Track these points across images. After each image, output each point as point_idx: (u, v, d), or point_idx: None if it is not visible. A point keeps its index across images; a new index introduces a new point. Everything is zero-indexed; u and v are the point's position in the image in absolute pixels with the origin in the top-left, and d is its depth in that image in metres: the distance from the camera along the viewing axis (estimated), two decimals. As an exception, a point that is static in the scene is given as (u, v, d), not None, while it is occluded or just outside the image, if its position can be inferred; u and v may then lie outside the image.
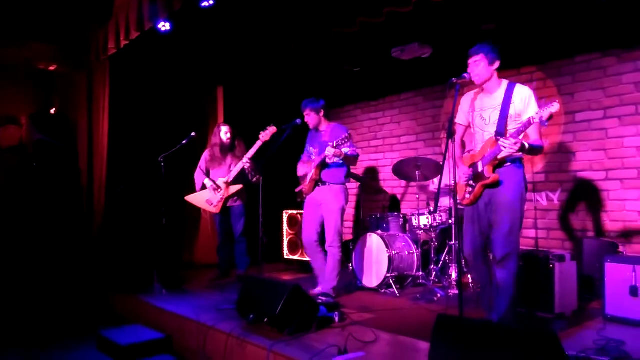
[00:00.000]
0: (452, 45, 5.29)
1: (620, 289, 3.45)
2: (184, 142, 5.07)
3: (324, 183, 4.38)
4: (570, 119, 5.02)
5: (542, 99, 5.17)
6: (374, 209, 6.80)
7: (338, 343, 2.90)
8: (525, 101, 3.05)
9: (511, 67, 5.37)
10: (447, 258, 4.90)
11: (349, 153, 4.18)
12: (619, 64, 4.69)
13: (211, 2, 4.38)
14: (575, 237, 4.89)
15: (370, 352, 2.89)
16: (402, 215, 5.25)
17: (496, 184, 3.10)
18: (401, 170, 5.26)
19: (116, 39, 5.06)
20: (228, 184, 5.04)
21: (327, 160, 4.24)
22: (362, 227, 5.77)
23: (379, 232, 4.90)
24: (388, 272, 4.56)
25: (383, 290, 4.64)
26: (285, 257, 6.36)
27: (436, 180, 5.39)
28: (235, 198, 5.16)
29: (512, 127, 3.08)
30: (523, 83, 5.31)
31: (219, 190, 5.04)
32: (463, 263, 4.71)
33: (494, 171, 3.12)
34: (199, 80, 6.56)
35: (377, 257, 4.71)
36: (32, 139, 5.75)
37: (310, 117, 4.41)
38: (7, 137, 5.68)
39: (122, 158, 5.95)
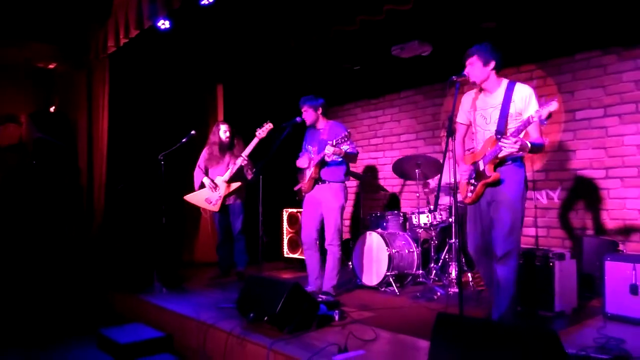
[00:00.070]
0: (452, 43, 5.28)
1: (620, 287, 3.45)
2: (184, 140, 5.07)
3: (323, 181, 4.37)
4: (571, 117, 5.02)
5: (542, 97, 5.16)
6: (373, 207, 6.81)
7: (338, 341, 2.91)
8: (525, 100, 3.05)
9: (511, 65, 5.37)
10: (447, 256, 4.90)
11: (348, 151, 4.18)
12: (619, 62, 4.69)
13: (211, 0, 4.37)
14: (575, 236, 4.89)
15: (370, 350, 2.89)
16: (402, 214, 5.25)
17: (497, 183, 3.11)
18: (401, 168, 5.26)
19: (115, 37, 5.05)
20: (226, 182, 5.04)
21: (326, 159, 4.23)
22: (362, 225, 5.77)
23: (379, 230, 4.90)
24: (388, 270, 4.56)
25: (383, 289, 4.65)
26: (285, 255, 6.36)
27: (436, 178, 5.38)
28: (234, 196, 5.16)
29: (512, 126, 3.08)
30: (523, 81, 5.32)
31: (218, 188, 5.05)
32: (463, 261, 4.72)
33: (494, 170, 3.12)
34: (199, 79, 6.55)
35: (377, 256, 4.71)
36: (32, 138, 5.75)
37: (308, 114, 4.41)
38: (7, 136, 5.68)
39: (121, 157, 5.95)
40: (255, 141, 4.89)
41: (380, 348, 2.97)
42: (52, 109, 6.03)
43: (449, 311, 2.96)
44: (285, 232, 6.38)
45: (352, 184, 7.11)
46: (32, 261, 5.28)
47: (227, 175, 5.05)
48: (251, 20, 4.98)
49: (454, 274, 4.64)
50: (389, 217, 5.18)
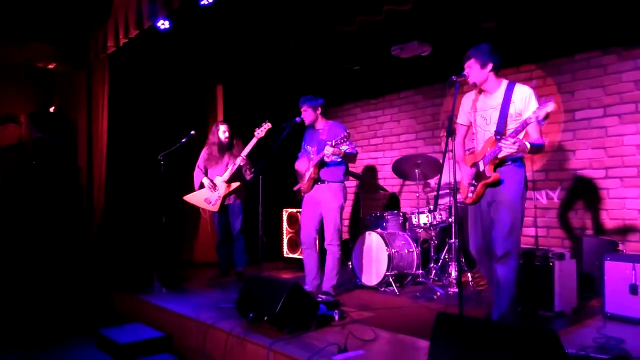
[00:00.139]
0: (452, 44, 5.28)
1: (620, 287, 3.45)
2: (184, 140, 5.07)
3: (322, 181, 4.38)
4: (570, 117, 5.02)
5: (541, 97, 5.13)
6: (373, 207, 6.81)
7: (338, 341, 2.90)
8: (525, 100, 3.06)
9: (511, 65, 5.37)
10: (446, 256, 4.90)
11: (347, 151, 4.18)
12: (619, 62, 4.69)
13: (210, 0, 4.37)
14: (575, 235, 4.89)
15: (370, 350, 2.89)
16: (401, 214, 5.25)
17: (497, 183, 3.12)
18: (400, 168, 5.25)
19: (115, 37, 5.05)
20: (226, 182, 5.04)
21: (326, 159, 4.24)
22: (361, 225, 5.77)
23: (379, 230, 4.90)
24: (388, 270, 4.56)
25: (383, 289, 4.65)
26: (285, 255, 6.36)
27: (436, 178, 5.39)
28: (234, 196, 5.16)
29: (512, 126, 3.09)
30: (523, 81, 5.33)
31: (217, 188, 5.05)
32: (463, 261, 4.72)
33: (494, 170, 3.13)
34: (199, 79, 6.55)
35: (376, 256, 4.71)
36: (32, 138, 5.75)
37: (307, 114, 4.41)
38: (7, 136, 5.68)
39: (121, 156, 5.95)
40: (253, 141, 4.90)
41: (380, 348, 2.97)
42: (51, 109, 6.03)
43: (448, 311, 2.95)
44: (285, 232, 6.38)
45: (352, 183, 7.12)
46: (32, 261, 5.28)
47: (226, 175, 5.05)
48: (251, 20, 4.98)
49: (453, 274, 4.65)
50: (388, 217, 5.18)
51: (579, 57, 4.97)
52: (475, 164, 3.25)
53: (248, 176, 5.09)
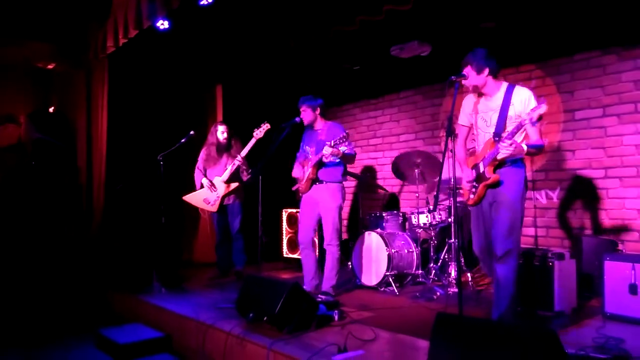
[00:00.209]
0: (452, 44, 5.29)
1: (620, 286, 3.45)
2: (183, 140, 5.07)
3: (320, 181, 4.38)
4: (570, 117, 5.02)
5: (541, 97, 5.14)
6: (373, 207, 6.80)
7: (337, 341, 2.90)
8: (524, 102, 3.09)
9: (510, 65, 5.37)
10: (446, 256, 4.90)
11: (346, 152, 4.18)
12: (618, 62, 4.69)
13: (210, 0, 4.37)
14: (575, 235, 4.89)
15: (370, 350, 2.89)
16: (401, 214, 5.25)
17: (497, 184, 3.15)
18: (400, 167, 5.24)
19: (115, 37, 5.05)
20: (225, 183, 5.05)
21: (324, 159, 4.24)
22: (361, 225, 5.77)
23: (378, 230, 4.90)
24: (387, 270, 4.56)
25: (382, 289, 4.65)
26: (285, 255, 6.36)
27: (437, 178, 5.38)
28: (233, 196, 5.16)
29: (511, 128, 3.10)
30: (522, 81, 5.36)
31: (216, 189, 5.06)
32: (462, 261, 4.72)
33: (494, 171, 3.16)
34: (198, 79, 6.55)
35: (376, 256, 4.71)
36: (31, 138, 5.74)
37: (306, 114, 4.41)
38: (6, 136, 5.68)
39: (121, 157, 5.95)
40: (252, 142, 4.90)
41: (380, 348, 2.97)
42: (51, 109, 6.02)
43: (448, 311, 2.95)
44: (284, 232, 6.38)
45: (351, 184, 7.11)
46: (32, 261, 5.28)
47: (225, 176, 5.05)
48: (250, 20, 4.98)
49: (453, 274, 4.65)
50: (388, 217, 5.18)
51: (578, 57, 4.97)
52: (475, 166, 3.27)
53: (244, 177, 5.10)
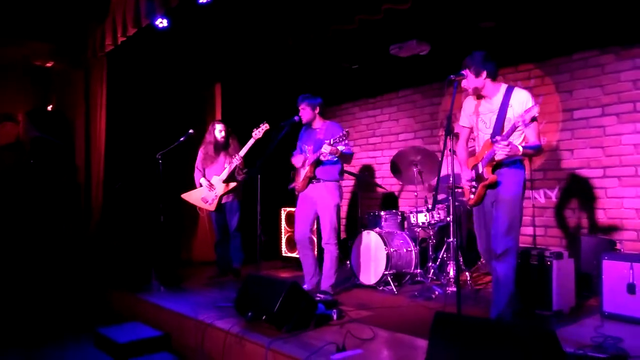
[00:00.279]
0: (451, 43, 5.29)
1: (618, 286, 3.46)
2: (182, 139, 5.07)
3: (318, 180, 4.37)
4: (568, 116, 5.02)
5: (540, 97, 5.17)
6: (371, 206, 6.81)
7: (336, 340, 2.91)
8: (523, 104, 3.12)
9: (509, 65, 5.37)
10: (445, 255, 4.90)
11: (344, 151, 4.18)
12: (617, 61, 4.69)
13: (209, -1, 4.37)
14: (573, 235, 4.90)
15: (368, 349, 2.89)
16: (400, 213, 5.25)
17: (496, 184, 3.19)
18: (398, 166, 5.22)
19: (113, 35, 5.04)
20: (223, 182, 5.05)
21: (322, 158, 4.24)
22: (359, 224, 5.77)
23: (377, 229, 4.90)
24: (386, 269, 4.56)
25: (381, 288, 4.65)
26: (283, 254, 6.36)
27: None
28: (232, 195, 5.16)
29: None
30: (521, 80, 5.37)
31: (214, 188, 5.06)
32: (461, 260, 4.73)
33: (493, 172, 3.20)
34: (197, 77, 6.54)
35: (375, 255, 4.71)
36: (29, 136, 5.73)
37: (305, 112, 4.41)
38: (4, 135, 5.67)
39: (119, 155, 5.95)
40: (251, 142, 4.89)
41: (378, 347, 2.97)
42: (49, 108, 6.01)
43: (446, 310, 2.95)
44: (283, 231, 6.38)
45: (350, 182, 7.12)
46: (30, 259, 5.27)
47: (224, 175, 5.05)
48: (249, 18, 4.97)
49: (451, 273, 4.65)
50: (387, 216, 5.18)
51: (577, 56, 4.97)
52: (475, 166, 3.31)
53: (239, 177, 5.10)
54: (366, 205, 6.75)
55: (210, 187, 5.08)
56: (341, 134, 4.03)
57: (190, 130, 5.10)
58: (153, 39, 5.24)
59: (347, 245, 5.26)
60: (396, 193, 6.65)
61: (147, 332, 3.90)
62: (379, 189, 6.67)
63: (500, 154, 3.04)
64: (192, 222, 6.53)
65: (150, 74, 6.22)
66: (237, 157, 4.95)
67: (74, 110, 5.87)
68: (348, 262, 5.23)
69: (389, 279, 4.58)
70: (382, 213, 5.22)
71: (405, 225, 5.25)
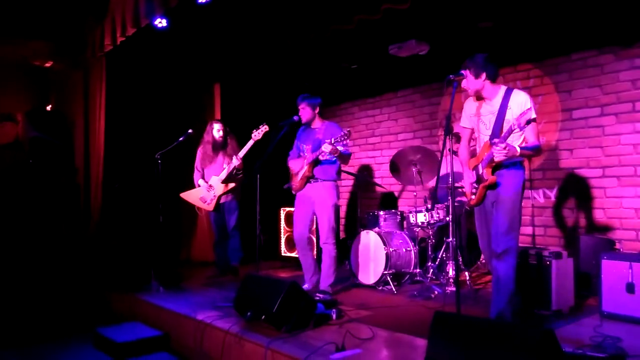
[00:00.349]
0: (450, 43, 5.29)
1: (617, 285, 3.46)
2: (181, 139, 5.07)
3: (315, 180, 4.37)
4: (567, 116, 5.03)
5: (539, 97, 5.18)
6: (371, 206, 6.81)
7: (335, 340, 2.91)
8: (521, 106, 3.14)
9: (508, 65, 5.37)
10: (444, 255, 4.90)
11: (342, 151, 4.19)
12: (615, 61, 4.70)
13: (208, -1, 4.37)
14: (572, 234, 4.90)
15: (368, 349, 2.89)
16: (399, 213, 5.25)
17: (496, 185, 3.21)
18: (397, 166, 5.22)
19: (112, 35, 5.04)
20: (222, 182, 5.05)
21: (321, 157, 4.24)
22: (359, 224, 5.77)
23: (376, 229, 4.90)
24: (385, 269, 4.56)
25: (380, 288, 4.65)
26: (283, 254, 6.36)
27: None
28: (231, 195, 5.16)
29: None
30: (520, 80, 5.37)
31: (212, 188, 5.06)
32: (460, 260, 4.73)
33: (493, 173, 3.22)
34: (196, 77, 6.54)
35: (374, 254, 4.71)
36: (28, 136, 5.73)
37: (305, 112, 4.41)
38: (3, 135, 5.67)
39: (118, 155, 5.94)
40: (250, 143, 4.89)
41: (378, 347, 2.97)
42: (48, 108, 6.01)
43: (446, 310, 2.96)
44: (282, 230, 6.37)
45: (349, 182, 7.12)
46: (29, 260, 5.27)
47: (223, 175, 5.05)
48: (248, 19, 4.97)
49: (451, 273, 4.65)
50: (386, 215, 5.18)
51: (576, 56, 4.97)
52: (476, 167, 3.34)
53: (236, 176, 5.10)
54: (365, 205, 6.75)
55: (209, 187, 5.08)
56: (343, 134, 4.03)
57: (190, 130, 5.10)
58: (152, 39, 5.24)
59: (347, 245, 5.26)
60: (395, 193, 6.65)
61: (146, 332, 3.90)
62: (379, 189, 6.67)
63: (498, 155, 3.07)
64: (191, 222, 6.53)
65: (150, 74, 6.21)
66: (236, 158, 4.95)
67: (73, 110, 5.87)
68: (347, 262, 5.22)
69: (388, 278, 4.58)
70: (382, 213, 5.22)
71: (405, 225, 5.24)
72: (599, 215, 4.79)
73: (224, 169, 5.07)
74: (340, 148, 4.11)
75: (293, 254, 6.16)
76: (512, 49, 5.25)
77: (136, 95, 6.21)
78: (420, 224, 4.83)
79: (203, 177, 5.20)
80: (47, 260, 5.35)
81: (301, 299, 3.29)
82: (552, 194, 5.13)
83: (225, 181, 5.06)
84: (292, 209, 6.14)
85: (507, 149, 3.00)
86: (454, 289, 3.93)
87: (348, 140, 4.10)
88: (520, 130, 3.03)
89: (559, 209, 5.08)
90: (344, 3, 4.39)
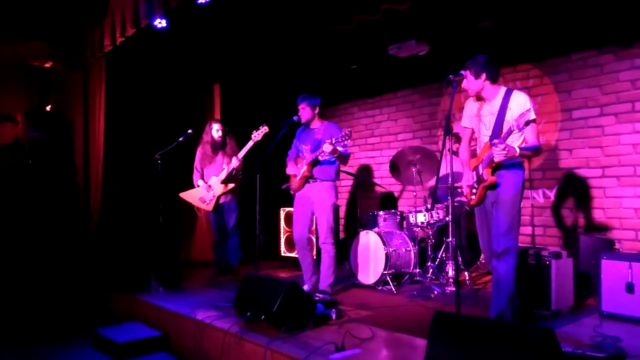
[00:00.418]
0: (449, 43, 5.29)
1: (616, 285, 3.46)
2: (181, 139, 5.07)
3: (314, 180, 4.38)
4: (567, 116, 5.03)
5: (538, 97, 5.18)
6: (370, 206, 6.81)
7: (335, 340, 2.91)
8: (521, 107, 3.15)
9: (508, 65, 5.38)
10: (444, 255, 4.90)
11: (342, 152, 4.19)
12: (615, 61, 4.70)
13: (208, -1, 4.37)
14: (572, 234, 4.90)
15: (367, 349, 2.89)
16: (399, 213, 5.25)
17: (495, 185, 3.22)
18: (397, 166, 5.22)
19: (112, 36, 5.04)
20: (221, 183, 5.05)
21: (321, 157, 4.24)
22: (358, 224, 5.77)
23: (376, 229, 4.91)
24: (385, 269, 4.57)
25: (380, 288, 4.65)
26: (282, 254, 6.36)
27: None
28: (230, 195, 5.17)
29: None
30: (520, 80, 5.37)
31: (212, 188, 5.06)
32: (460, 260, 4.73)
33: (493, 173, 3.23)
34: (196, 78, 6.54)
35: (374, 254, 4.71)
36: (28, 137, 5.73)
37: (305, 112, 4.40)
38: (3, 135, 5.67)
39: (118, 156, 5.94)
40: (250, 144, 4.89)
41: (377, 347, 2.97)
42: (48, 108, 6.01)
43: (446, 310, 2.97)
44: (282, 231, 6.37)
45: (348, 182, 7.12)
46: (29, 260, 5.26)
47: (222, 176, 5.04)
48: (248, 19, 4.97)
49: (450, 273, 4.65)
50: (386, 215, 5.18)
51: (575, 56, 4.98)
52: (476, 168, 3.35)
53: (238, 177, 5.11)
54: (365, 205, 6.75)
55: (208, 187, 5.09)
56: (344, 134, 4.03)
57: (189, 131, 5.09)
58: (152, 40, 5.24)
59: (346, 245, 5.25)
60: (395, 193, 6.65)
61: (145, 332, 3.90)
62: (378, 189, 6.67)
63: (498, 156, 3.08)
64: (190, 222, 6.53)
65: (149, 75, 6.21)
66: (236, 159, 4.95)
67: (72, 110, 5.87)
68: (347, 263, 5.22)
69: (388, 278, 4.58)
70: (381, 213, 5.22)
71: (404, 225, 5.25)
72: (598, 215, 4.79)
73: (223, 169, 5.07)
74: (340, 148, 4.11)
75: (293, 254, 6.16)
76: (512, 49, 5.26)
77: (136, 95, 6.21)
78: (419, 224, 4.83)
79: (202, 177, 5.21)
80: (47, 260, 5.35)
81: (301, 299, 3.29)
82: (552, 194, 5.13)
83: (225, 182, 5.06)
84: (292, 209, 6.16)
85: (506, 149, 3.02)
86: (453, 289, 3.93)
87: (348, 141, 4.10)
88: (520, 131, 3.04)
89: (558, 209, 5.08)
90: (344, 3, 4.39)
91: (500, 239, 3.14)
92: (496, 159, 3.12)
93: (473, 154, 3.45)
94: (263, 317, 3.21)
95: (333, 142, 4.04)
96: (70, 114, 5.89)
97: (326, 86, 6.93)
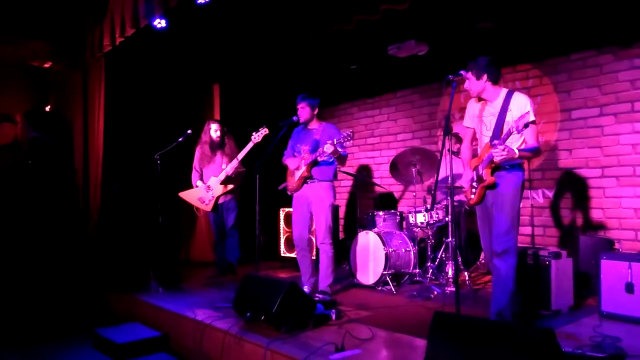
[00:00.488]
0: (449, 43, 5.29)
1: (616, 285, 3.46)
2: (180, 139, 5.07)
3: (313, 180, 4.37)
4: (566, 116, 5.03)
5: (538, 97, 5.18)
6: (370, 206, 6.80)
7: (335, 340, 2.91)
8: (521, 108, 3.16)
9: (507, 65, 5.38)
10: (443, 255, 4.90)
11: (342, 153, 4.19)
12: (615, 61, 4.70)
13: (207, -1, 4.37)
14: (571, 234, 4.91)
15: (367, 349, 2.89)
16: (398, 213, 5.25)
17: (495, 186, 3.23)
18: (398, 167, 5.23)
19: (111, 35, 5.04)
20: (220, 183, 5.05)
21: (320, 157, 4.24)
22: (358, 224, 5.77)
23: (376, 229, 4.90)
24: (385, 269, 4.56)
25: (380, 288, 4.65)
26: (282, 254, 6.35)
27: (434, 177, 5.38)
28: (230, 195, 5.17)
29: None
30: (519, 80, 5.37)
31: (211, 189, 5.06)
32: (460, 260, 4.73)
33: (493, 174, 3.24)
34: (195, 78, 6.54)
35: (374, 255, 4.71)
36: (27, 137, 5.73)
37: (304, 111, 4.40)
38: (2, 135, 5.67)
39: (117, 156, 5.93)
40: (249, 145, 4.89)
41: (377, 347, 2.97)
42: (47, 108, 6.00)
43: (445, 310, 2.97)
44: (282, 231, 6.37)
45: (348, 182, 7.12)
46: (28, 260, 5.26)
47: (221, 176, 5.04)
48: (248, 19, 4.97)
49: (450, 273, 4.65)
50: (385, 216, 5.18)
51: (575, 56, 4.98)
52: (476, 168, 3.36)
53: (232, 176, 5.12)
54: (364, 206, 6.75)
55: (207, 188, 5.08)
56: (346, 135, 4.03)
57: (189, 131, 5.09)
58: (151, 40, 5.24)
59: (346, 246, 5.25)
60: (395, 193, 6.65)
61: (145, 332, 3.90)
62: (378, 189, 6.67)
63: (497, 157, 3.10)
64: (190, 222, 6.53)
65: (149, 75, 6.21)
66: (235, 160, 4.95)
67: (72, 110, 5.87)
68: (347, 262, 5.22)
69: (388, 278, 4.58)
70: (381, 213, 5.22)
71: (404, 225, 5.25)
72: (598, 215, 4.79)
73: (222, 169, 5.07)
74: (340, 149, 4.11)
75: (292, 255, 6.15)
76: (511, 49, 5.26)
77: (135, 95, 6.21)
78: (419, 224, 4.83)
79: (201, 178, 5.21)
80: (47, 260, 5.35)
81: (300, 299, 3.29)
82: (551, 194, 5.13)
83: (224, 182, 5.06)
84: (291, 209, 6.16)
85: (506, 150, 3.04)
86: (453, 289, 3.93)
87: (349, 142, 4.10)
88: (519, 133, 3.06)
89: (558, 209, 5.08)
90: (343, 3, 4.39)
91: (500, 239, 3.15)
92: (496, 160, 3.14)
93: (474, 154, 3.46)
94: (263, 317, 3.21)
95: (335, 142, 4.04)
96: (70, 114, 5.89)
97: (326, 86, 6.93)
